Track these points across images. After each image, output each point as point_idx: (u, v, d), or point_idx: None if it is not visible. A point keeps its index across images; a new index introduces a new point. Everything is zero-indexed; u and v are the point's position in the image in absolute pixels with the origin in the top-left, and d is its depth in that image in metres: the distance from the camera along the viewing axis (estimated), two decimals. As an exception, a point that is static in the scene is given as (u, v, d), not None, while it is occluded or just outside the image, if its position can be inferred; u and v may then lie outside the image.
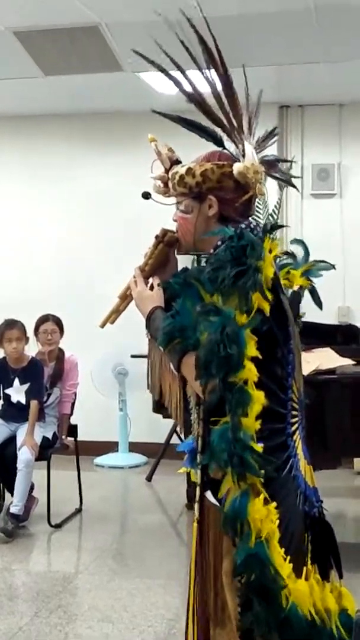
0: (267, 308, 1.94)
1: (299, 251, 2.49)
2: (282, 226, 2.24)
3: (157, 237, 2.25)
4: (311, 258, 2.66)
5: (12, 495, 5.40)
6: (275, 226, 2.25)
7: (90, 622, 3.81)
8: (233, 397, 1.88)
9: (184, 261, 2.29)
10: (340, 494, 5.84)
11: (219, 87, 2.09)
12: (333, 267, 2.53)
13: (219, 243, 2.01)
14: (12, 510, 5.12)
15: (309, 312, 2.62)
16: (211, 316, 1.90)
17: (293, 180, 2.44)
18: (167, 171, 2.23)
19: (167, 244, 2.24)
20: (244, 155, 2.09)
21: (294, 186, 2.46)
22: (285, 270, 2.40)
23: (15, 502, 5.13)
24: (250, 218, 2.16)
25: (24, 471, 5.10)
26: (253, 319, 1.90)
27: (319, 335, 4.68)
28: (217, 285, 1.91)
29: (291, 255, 2.48)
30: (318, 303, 2.49)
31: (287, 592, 1.90)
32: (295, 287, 2.41)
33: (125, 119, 7.10)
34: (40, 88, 6.47)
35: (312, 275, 2.47)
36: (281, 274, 2.34)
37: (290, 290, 2.39)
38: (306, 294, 2.50)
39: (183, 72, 2.08)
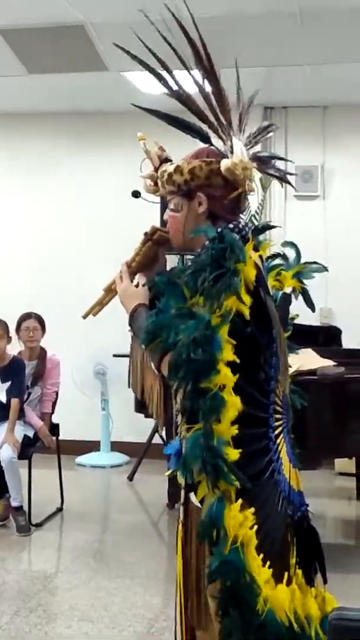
0: (246, 311, 1.92)
1: (290, 253, 2.47)
2: (273, 226, 2.24)
3: (145, 234, 2.24)
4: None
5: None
6: (266, 226, 2.24)
7: (70, 622, 3.80)
8: (205, 404, 1.86)
9: (173, 261, 2.29)
10: (320, 494, 5.87)
11: (206, 84, 2.08)
12: (325, 269, 2.52)
13: (207, 242, 1.99)
14: (14, 504, 5.17)
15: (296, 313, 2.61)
16: (185, 320, 1.89)
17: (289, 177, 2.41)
18: (156, 170, 2.23)
19: (155, 242, 2.23)
20: (232, 152, 2.08)
21: (290, 183, 2.45)
22: (276, 271, 2.38)
23: (13, 496, 5.17)
24: (241, 216, 2.15)
25: (9, 468, 5.11)
26: (227, 323, 1.88)
27: (300, 336, 4.69)
28: (195, 289, 1.91)
29: (283, 257, 2.46)
30: (310, 305, 2.48)
31: (264, 598, 1.89)
32: (287, 289, 2.40)
33: (109, 119, 7.10)
34: (23, 86, 6.46)
35: (303, 277, 2.45)
36: (272, 275, 2.33)
37: (280, 293, 2.37)
38: (299, 296, 2.49)
39: (169, 70, 2.07)
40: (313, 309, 2.47)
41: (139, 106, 2.15)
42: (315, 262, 2.47)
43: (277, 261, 2.41)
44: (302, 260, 2.47)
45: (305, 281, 2.46)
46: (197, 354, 1.84)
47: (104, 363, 6.91)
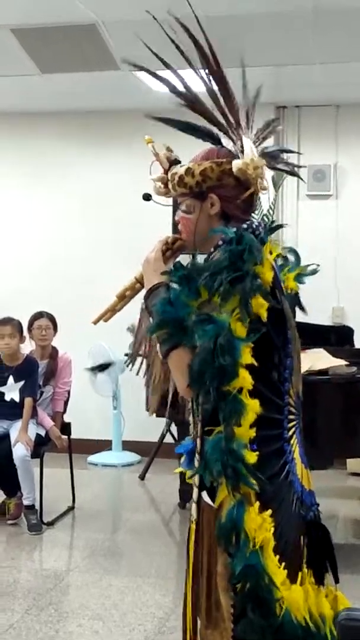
0: (264, 314, 1.92)
1: (290, 257, 2.47)
2: (281, 226, 2.22)
3: (166, 243, 2.22)
4: (306, 260, 2.64)
5: (5, 493, 5.43)
6: (278, 226, 2.22)
7: (80, 620, 3.81)
8: (226, 407, 1.87)
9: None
10: (332, 494, 5.85)
11: (214, 85, 2.08)
12: (317, 267, 2.49)
13: (220, 243, 2.00)
14: (26, 502, 5.19)
15: (303, 313, 2.61)
16: (205, 325, 1.88)
17: (298, 171, 2.39)
18: (166, 172, 2.22)
19: (176, 250, 2.22)
20: (242, 152, 2.07)
21: (300, 177, 2.43)
22: (284, 272, 2.38)
23: (25, 495, 5.19)
24: (252, 215, 2.15)
25: (22, 467, 5.12)
26: (245, 326, 1.88)
27: (312, 336, 4.70)
28: (214, 291, 1.89)
29: (284, 258, 2.45)
30: (301, 308, 2.47)
31: (281, 600, 1.90)
32: (289, 290, 2.40)
33: (121, 118, 7.10)
34: (36, 85, 6.47)
35: (300, 281, 2.44)
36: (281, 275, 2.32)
37: (292, 292, 2.36)
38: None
39: (174, 71, 2.07)
40: (304, 311, 2.45)
41: (147, 115, 2.14)
42: (309, 265, 2.44)
43: (279, 262, 2.39)
44: (308, 262, 2.45)
45: (318, 281, 2.46)
46: (222, 359, 1.84)
47: (118, 362, 6.89)
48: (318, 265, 2.46)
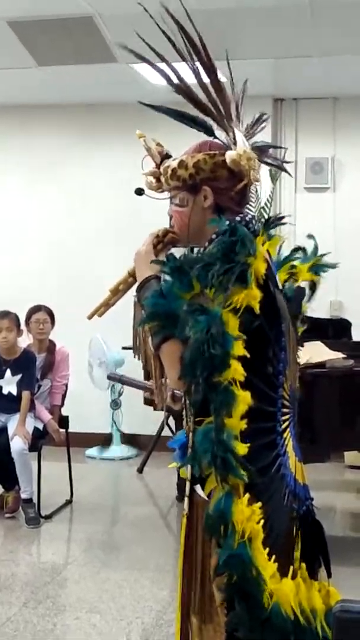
0: (256, 306, 1.92)
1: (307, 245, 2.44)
2: (283, 217, 2.18)
3: (157, 236, 2.22)
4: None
5: (2, 486, 5.43)
6: (277, 219, 2.20)
7: (78, 613, 3.82)
8: (217, 398, 1.87)
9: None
10: (329, 487, 5.86)
11: (205, 77, 2.07)
12: (335, 265, 2.48)
13: (214, 236, 1.99)
14: (24, 496, 5.20)
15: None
16: (197, 315, 1.88)
17: (286, 166, 2.39)
18: (158, 166, 2.21)
19: (167, 244, 2.22)
20: (235, 143, 2.07)
21: (287, 171, 2.43)
22: (289, 265, 2.34)
23: (23, 488, 5.20)
24: (247, 207, 2.14)
25: (20, 460, 5.13)
26: (237, 317, 1.88)
27: (310, 329, 4.69)
28: (207, 282, 1.90)
29: (302, 250, 2.42)
30: (309, 299, 2.45)
31: (270, 592, 1.90)
32: (301, 283, 2.37)
33: (118, 110, 7.07)
34: (33, 78, 6.44)
35: (319, 270, 2.42)
36: (284, 268, 2.30)
37: (293, 287, 2.34)
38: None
39: (168, 63, 2.06)
40: (309, 301, 2.43)
41: (141, 102, 2.14)
42: (326, 254, 2.44)
43: (297, 255, 2.36)
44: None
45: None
46: (212, 350, 1.84)
47: (115, 355, 6.89)
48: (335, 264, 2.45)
